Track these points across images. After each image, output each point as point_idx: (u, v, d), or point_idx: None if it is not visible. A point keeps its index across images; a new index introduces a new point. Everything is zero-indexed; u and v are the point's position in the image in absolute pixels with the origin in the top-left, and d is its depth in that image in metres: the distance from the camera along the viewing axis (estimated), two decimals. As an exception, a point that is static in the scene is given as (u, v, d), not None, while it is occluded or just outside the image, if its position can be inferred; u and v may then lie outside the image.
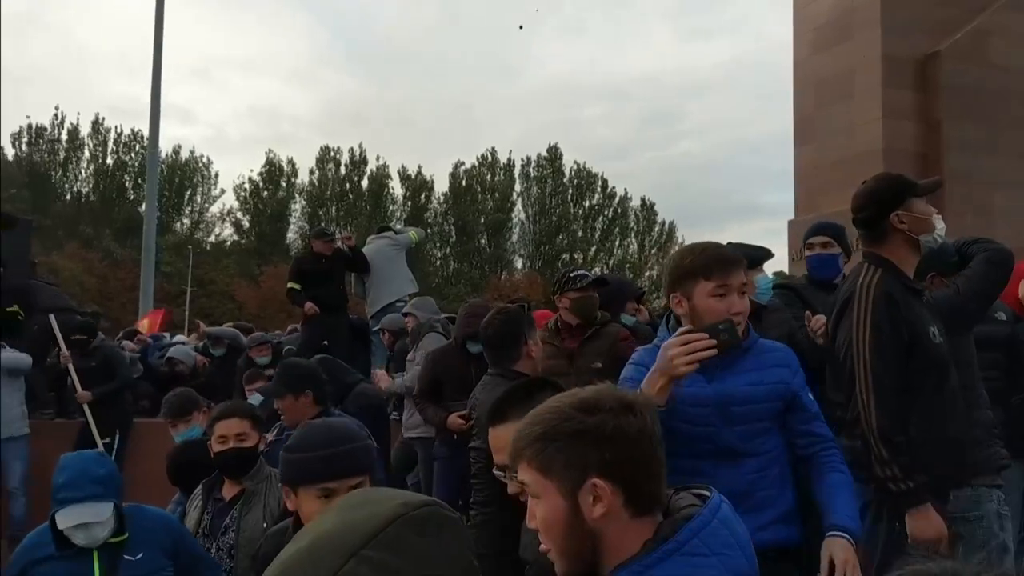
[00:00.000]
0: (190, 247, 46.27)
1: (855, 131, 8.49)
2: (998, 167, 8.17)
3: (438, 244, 54.10)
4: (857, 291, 2.95)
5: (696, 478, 2.34)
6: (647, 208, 56.69)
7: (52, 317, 7.67)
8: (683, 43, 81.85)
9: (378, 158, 53.99)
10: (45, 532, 2.87)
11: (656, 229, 56.65)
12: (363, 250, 8.68)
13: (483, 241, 54.72)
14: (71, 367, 7.54)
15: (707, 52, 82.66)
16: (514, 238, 55.68)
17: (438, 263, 54.15)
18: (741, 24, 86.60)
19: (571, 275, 4.65)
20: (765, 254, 4.09)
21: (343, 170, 53.71)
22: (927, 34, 8.43)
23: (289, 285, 8.55)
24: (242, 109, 78.85)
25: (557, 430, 1.34)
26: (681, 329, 2.34)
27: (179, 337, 12.26)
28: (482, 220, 54.18)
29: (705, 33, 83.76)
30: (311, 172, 53.41)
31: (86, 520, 2.78)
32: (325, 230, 9.23)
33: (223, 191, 53.56)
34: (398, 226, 10.91)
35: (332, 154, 53.71)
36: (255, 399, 6.16)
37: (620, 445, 1.33)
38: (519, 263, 55.03)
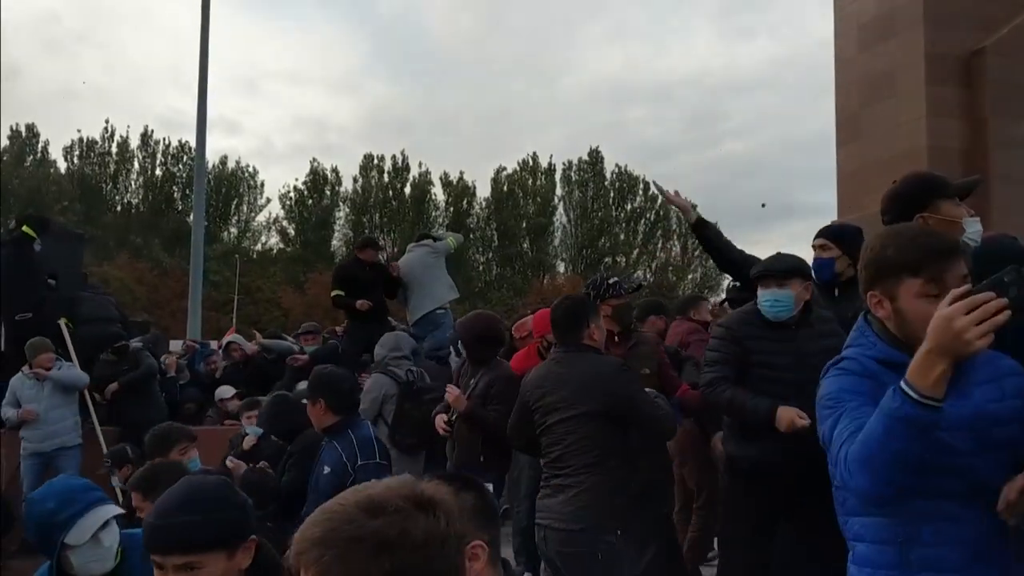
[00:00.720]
0: (237, 256, 46.95)
1: (899, 130, 8.37)
2: (1049, 164, 7.99)
3: (480, 249, 54.22)
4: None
5: (939, 522, 1.94)
6: (690, 210, 56.25)
7: (62, 323, 7.91)
8: (726, 43, 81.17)
9: (420, 165, 54.42)
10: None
11: (699, 231, 56.21)
12: (402, 259, 8.78)
13: (525, 245, 54.70)
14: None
15: (751, 51, 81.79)
16: (556, 242, 55.64)
17: (480, 268, 54.26)
18: (785, 23, 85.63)
19: (610, 282, 4.68)
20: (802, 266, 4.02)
21: (386, 177, 54.17)
22: (971, 30, 8.29)
23: (334, 292, 8.70)
24: (288, 119, 80.00)
25: (336, 534, 1.14)
26: (953, 292, 1.77)
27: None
28: (524, 224, 54.20)
29: (748, 32, 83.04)
30: (355, 180, 54.01)
31: (108, 515, 2.65)
32: (374, 238, 9.33)
33: (269, 200, 54.43)
34: (440, 232, 11.00)
35: (375, 162, 54.24)
36: (253, 430, 6.05)
37: (405, 553, 1.14)
38: (561, 267, 54.96)
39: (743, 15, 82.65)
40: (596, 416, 3.73)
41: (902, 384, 1.77)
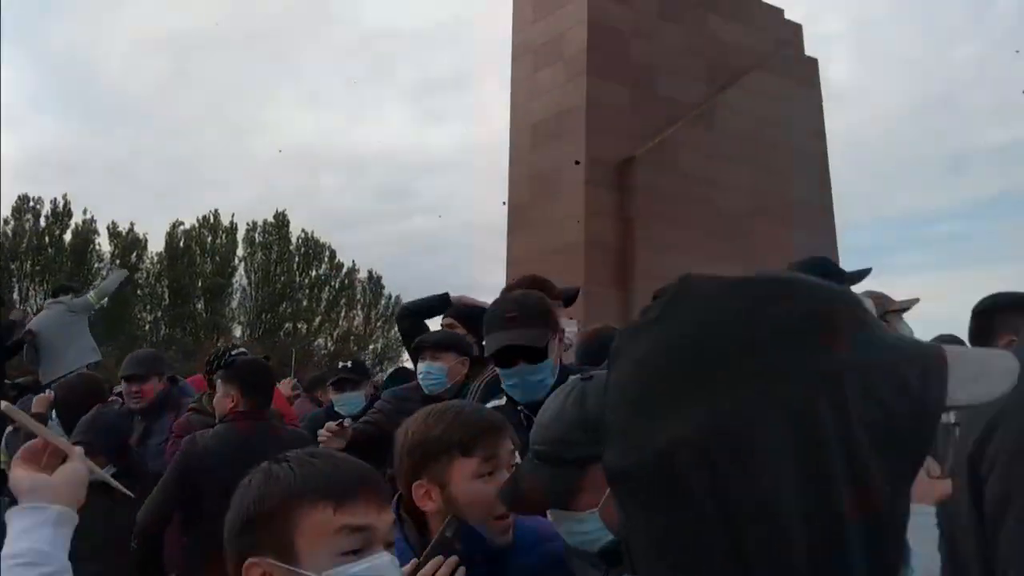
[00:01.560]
0: None
1: (561, 224, 8.97)
2: (684, 265, 8.94)
3: (148, 307, 50.69)
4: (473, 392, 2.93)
5: None
6: (374, 281, 56.78)
7: None
8: (419, 123, 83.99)
9: (85, 212, 49.91)
10: None
11: (383, 302, 56.77)
12: (35, 318, 7.90)
13: (199, 306, 51.98)
14: None
15: (441, 133, 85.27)
16: (234, 304, 53.46)
17: (147, 327, 50.58)
18: (475, 109, 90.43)
19: (234, 353, 4.70)
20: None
21: (43, 222, 49.12)
22: (626, 139, 9.16)
23: None
24: (-75, 145, 69.99)
25: None
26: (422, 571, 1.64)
27: None
28: (200, 284, 51.58)
29: (440, 115, 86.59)
30: (5, 222, 48.30)
31: None
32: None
33: None
34: (110, 275, 10.16)
35: (31, 204, 49.02)
36: None
37: None
38: (238, 331, 52.70)
39: (435, 98, 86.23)
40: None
41: None
